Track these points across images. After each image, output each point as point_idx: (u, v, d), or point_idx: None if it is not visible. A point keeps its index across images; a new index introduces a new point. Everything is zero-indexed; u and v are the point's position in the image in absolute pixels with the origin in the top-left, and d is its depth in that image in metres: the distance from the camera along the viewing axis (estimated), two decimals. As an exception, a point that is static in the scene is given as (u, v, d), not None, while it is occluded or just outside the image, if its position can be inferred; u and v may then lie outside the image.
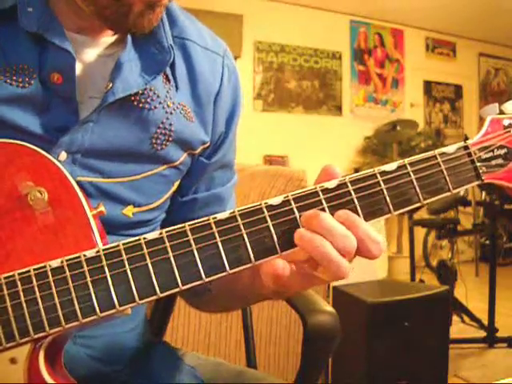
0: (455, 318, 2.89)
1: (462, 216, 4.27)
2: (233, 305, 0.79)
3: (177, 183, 0.73)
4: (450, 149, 0.54)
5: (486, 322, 2.76)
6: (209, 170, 0.75)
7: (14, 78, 0.58)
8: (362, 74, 5.64)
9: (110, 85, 0.61)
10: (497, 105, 0.57)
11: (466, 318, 2.93)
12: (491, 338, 2.71)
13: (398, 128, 4.56)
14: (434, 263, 4.06)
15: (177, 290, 0.49)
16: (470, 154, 0.54)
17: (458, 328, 2.84)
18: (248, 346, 1.05)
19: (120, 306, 0.48)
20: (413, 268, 3.24)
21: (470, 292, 3.11)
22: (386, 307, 1.88)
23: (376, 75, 5.71)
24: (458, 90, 6.24)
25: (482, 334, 2.75)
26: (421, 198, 0.53)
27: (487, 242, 5.03)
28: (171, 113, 0.67)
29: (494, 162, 0.55)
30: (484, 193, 4.44)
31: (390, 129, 4.66)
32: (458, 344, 2.63)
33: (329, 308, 0.86)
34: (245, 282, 0.63)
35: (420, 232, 4.76)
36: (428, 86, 6.05)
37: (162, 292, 0.49)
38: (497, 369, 2.41)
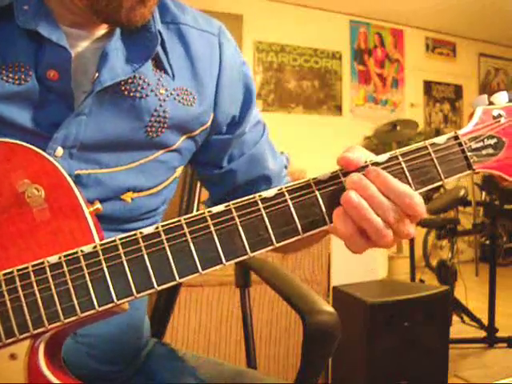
0: (455, 317, 2.89)
1: (462, 216, 4.27)
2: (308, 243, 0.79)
3: (179, 169, 0.73)
4: (441, 139, 0.55)
5: (486, 322, 2.76)
6: (235, 140, 0.77)
7: (11, 75, 0.59)
8: (361, 73, 5.64)
9: (97, 75, 0.61)
10: (486, 96, 0.58)
11: (466, 318, 2.93)
12: (491, 338, 2.71)
13: (398, 128, 4.56)
14: (434, 263, 4.06)
15: (174, 282, 0.50)
16: (460, 144, 0.55)
17: (458, 328, 2.84)
18: (248, 346, 1.05)
19: (118, 299, 0.49)
20: (413, 268, 3.24)
21: (470, 292, 3.10)
22: (385, 307, 1.88)
23: (376, 75, 5.71)
24: (458, 89, 6.24)
25: (482, 333, 2.75)
26: (413, 187, 0.53)
27: (487, 242, 5.03)
28: (164, 100, 0.67)
29: (484, 152, 0.56)
30: (484, 193, 4.44)
31: (389, 129, 4.65)
32: (458, 344, 2.63)
33: (329, 308, 0.86)
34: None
35: (420, 232, 4.76)
36: (428, 86, 6.05)
37: (159, 285, 0.49)
38: (497, 369, 2.41)
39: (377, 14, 5.53)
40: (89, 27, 0.65)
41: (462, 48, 6.21)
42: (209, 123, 0.73)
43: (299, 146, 5.02)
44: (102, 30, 0.66)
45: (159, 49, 0.66)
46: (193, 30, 0.72)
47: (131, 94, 0.65)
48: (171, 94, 0.68)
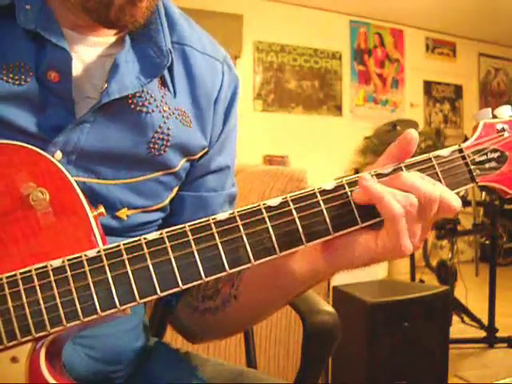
0: (455, 318, 2.89)
1: (462, 216, 4.26)
2: (269, 307, 0.67)
3: (176, 189, 0.73)
4: (445, 152, 0.55)
5: (486, 322, 2.76)
6: (198, 171, 0.74)
7: (11, 75, 0.58)
8: (362, 73, 5.63)
9: (106, 85, 0.61)
10: (490, 109, 0.58)
11: (466, 318, 2.93)
12: (491, 338, 2.71)
13: (398, 128, 4.55)
14: (434, 263, 4.06)
15: (177, 289, 0.50)
16: (464, 157, 0.55)
17: (458, 328, 2.84)
18: (248, 346, 1.05)
19: (121, 305, 0.49)
20: (413, 268, 3.24)
21: (470, 292, 3.10)
22: (385, 307, 1.88)
23: (376, 75, 5.71)
24: (458, 89, 6.24)
25: (482, 333, 2.75)
26: None
27: (487, 242, 5.03)
28: (168, 117, 0.67)
29: (487, 165, 0.56)
30: (484, 193, 4.43)
31: (390, 129, 4.65)
32: (458, 344, 2.63)
33: (329, 308, 0.86)
34: (295, 268, 0.58)
35: (420, 232, 4.74)
36: (428, 86, 6.05)
37: (162, 292, 0.49)
38: (497, 369, 2.41)
39: (377, 14, 5.53)
40: (93, 32, 0.64)
41: (462, 48, 6.21)
42: (207, 148, 0.73)
43: (299, 146, 5.02)
44: (110, 37, 0.66)
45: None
46: (197, 54, 0.72)
47: (137, 109, 0.64)
48: (173, 112, 0.68)
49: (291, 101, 5.23)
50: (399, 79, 5.83)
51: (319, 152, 4.98)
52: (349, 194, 0.52)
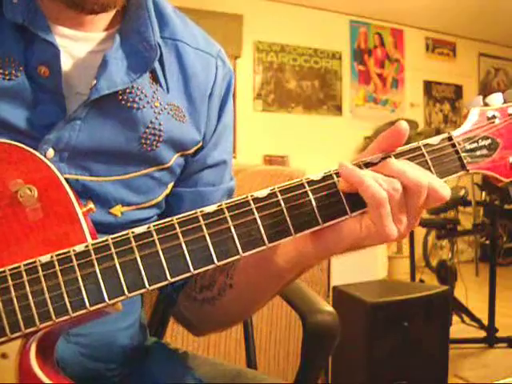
0: (455, 317, 2.89)
1: (462, 216, 4.27)
2: (264, 293, 0.66)
3: (171, 185, 0.72)
4: (434, 140, 0.55)
5: (486, 322, 2.76)
6: (194, 167, 0.74)
7: (1, 70, 0.58)
8: (362, 73, 5.64)
9: (94, 82, 0.61)
10: (481, 97, 0.58)
11: (466, 318, 2.93)
12: (491, 338, 2.71)
13: (398, 128, 4.56)
14: (434, 263, 4.07)
15: (165, 282, 0.49)
16: (454, 145, 0.55)
17: (458, 328, 2.84)
18: (248, 346, 1.05)
19: (109, 299, 0.49)
20: (413, 268, 3.24)
21: (470, 292, 3.10)
22: (385, 307, 1.88)
23: (376, 75, 5.71)
24: (458, 90, 6.24)
25: (482, 334, 2.75)
26: None
27: (487, 241, 5.03)
28: (159, 113, 0.67)
29: (478, 153, 0.55)
30: (484, 193, 4.44)
31: (389, 129, 4.65)
32: (458, 344, 2.63)
33: (329, 308, 0.86)
34: (282, 253, 0.58)
35: (420, 232, 4.76)
36: (428, 86, 6.05)
37: (150, 285, 0.49)
38: (497, 369, 2.41)
39: (377, 14, 5.53)
40: (83, 28, 0.64)
41: (462, 48, 6.22)
42: (201, 143, 0.73)
43: (299, 146, 5.03)
44: (99, 33, 0.66)
45: (156, 62, 0.66)
46: (189, 49, 0.72)
47: (128, 105, 0.64)
48: (165, 108, 0.68)
49: (291, 101, 5.23)
50: (399, 79, 5.83)
51: (319, 152, 4.98)
52: (337, 183, 0.52)
